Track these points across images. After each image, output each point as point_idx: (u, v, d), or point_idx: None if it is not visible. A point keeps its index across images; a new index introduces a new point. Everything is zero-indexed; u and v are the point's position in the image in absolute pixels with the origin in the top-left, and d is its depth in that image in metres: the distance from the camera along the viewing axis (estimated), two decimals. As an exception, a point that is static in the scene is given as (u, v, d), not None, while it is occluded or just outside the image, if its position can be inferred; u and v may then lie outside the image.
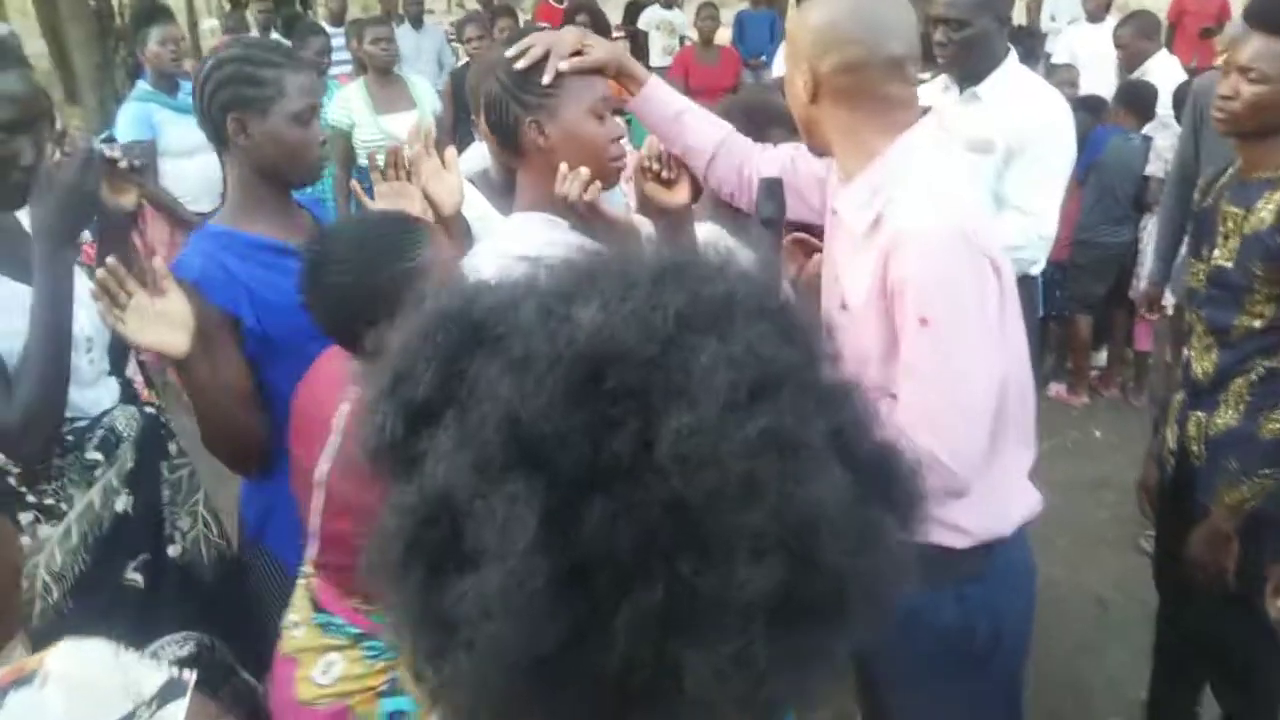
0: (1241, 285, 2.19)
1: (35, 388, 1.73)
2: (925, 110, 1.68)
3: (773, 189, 1.83)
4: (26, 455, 1.81)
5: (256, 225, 2.02)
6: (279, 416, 2.00)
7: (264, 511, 2.09)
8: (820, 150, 1.74)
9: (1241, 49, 2.20)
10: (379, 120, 4.98)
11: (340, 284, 1.65)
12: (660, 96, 2.00)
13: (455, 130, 5.70)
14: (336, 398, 1.67)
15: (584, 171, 1.76)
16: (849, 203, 1.66)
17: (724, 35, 8.93)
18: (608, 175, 1.90)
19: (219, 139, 2.00)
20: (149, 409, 2.04)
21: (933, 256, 1.51)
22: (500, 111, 1.86)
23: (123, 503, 1.94)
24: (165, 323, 1.77)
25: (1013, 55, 2.89)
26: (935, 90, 3.10)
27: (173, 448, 2.11)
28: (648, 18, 9.73)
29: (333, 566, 1.73)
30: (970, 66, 2.88)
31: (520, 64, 1.83)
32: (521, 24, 6.59)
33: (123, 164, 2.05)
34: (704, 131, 2.00)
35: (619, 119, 2.06)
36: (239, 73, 1.94)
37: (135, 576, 1.95)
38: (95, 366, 1.95)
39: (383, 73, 5.11)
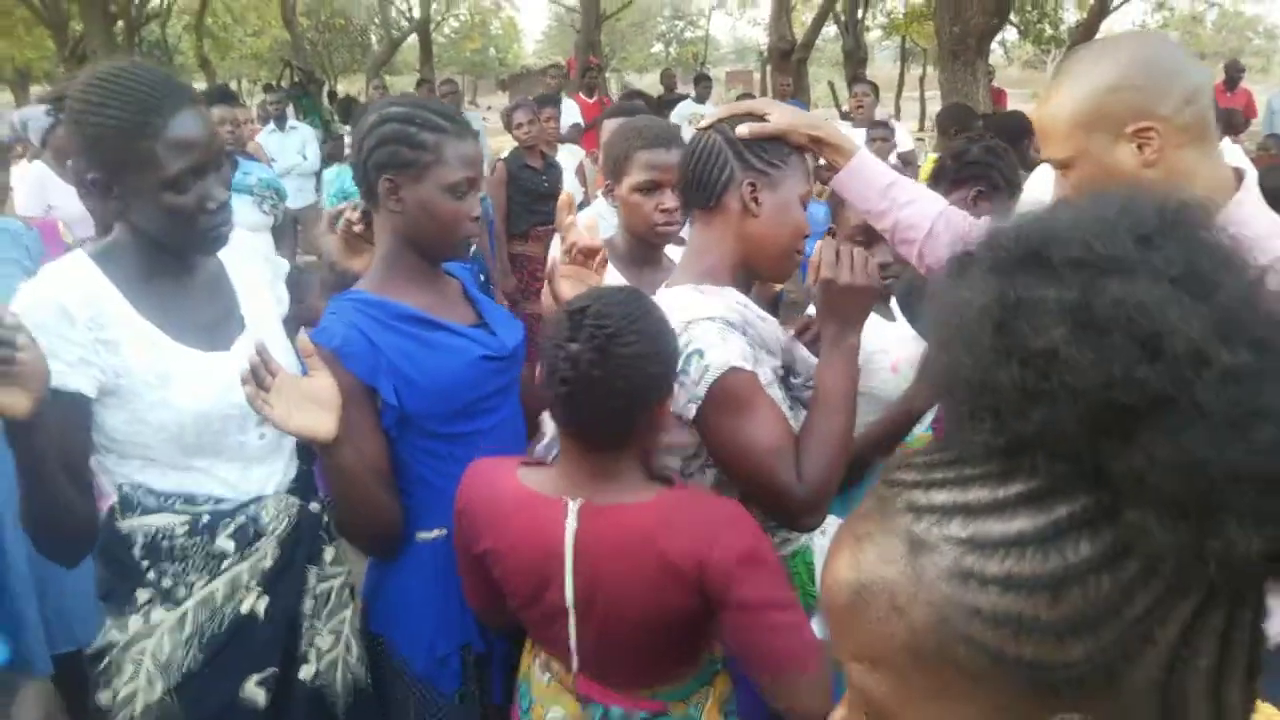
0: None
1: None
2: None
3: None
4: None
5: (404, 294, 1.90)
6: (409, 495, 1.90)
7: (391, 601, 1.95)
8: None
9: None
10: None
11: (641, 354, 1.50)
12: (870, 168, 1.90)
13: (509, 214, 5.68)
14: (560, 531, 1.55)
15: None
16: None
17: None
18: (793, 266, 1.85)
19: (370, 197, 1.89)
20: (314, 506, 1.88)
21: None
22: (714, 162, 1.77)
23: (251, 603, 1.76)
24: (313, 404, 1.65)
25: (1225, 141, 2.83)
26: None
27: (329, 554, 1.92)
28: (680, 111, 9.90)
29: (604, 671, 1.64)
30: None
31: (745, 133, 1.76)
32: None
33: (359, 227, 1.97)
34: (920, 204, 1.89)
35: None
36: (399, 132, 1.82)
37: (256, 692, 1.75)
38: (266, 444, 1.80)
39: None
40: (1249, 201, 1.54)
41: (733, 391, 1.62)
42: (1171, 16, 20.44)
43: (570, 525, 1.54)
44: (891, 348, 2.30)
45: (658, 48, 37.89)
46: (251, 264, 1.90)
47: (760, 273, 1.84)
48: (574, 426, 1.55)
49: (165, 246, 1.70)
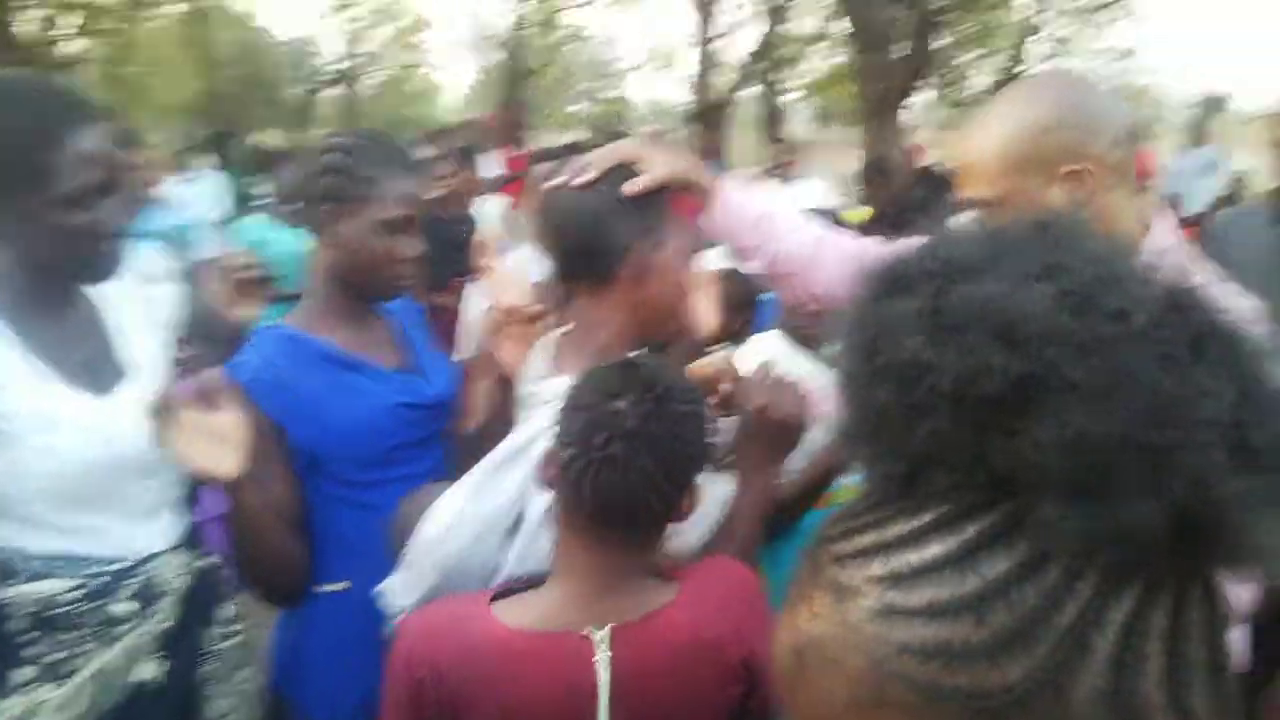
0: None
1: None
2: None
3: None
4: None
5: (329, 331, 1.81)
6: (316, 544, 1.79)
7: (293, 657, 1.83)
8: None
9: None
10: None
11: (695, 414, 1.33)
12: (740, 203, 1.75)
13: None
14: (587, 671, 1.26)
15: None
16: None
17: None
18: (684, 325, 1.70)
19: (312, 227, 1.82)
20: (209, 559, 1.75)
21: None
22: (601, 226, 1.54)
23: (150, 669, 1.62)
24: (217, 440, 1.54)
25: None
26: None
27: (228, 611, 1.79)
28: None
29: None
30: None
31: (632, 191, 1.55)
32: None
33: (245, 274, 1.87)
34: (798, 233, 1.76)
35: None
36: (339, 163, 1.75)
37: (159, 766, 1.60)
38: (154, 497, 1.66)
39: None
40: (1166, 228, 1.57)
41: None
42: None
43: (603, 659, 1.27)
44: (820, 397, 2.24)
45: (579, 105, 38.23)
46: (131, 306, 1.76)
47: (654, 338, 1.67)
48: (605, 502, 1.27)
49: (54, 273, 1.57)
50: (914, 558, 0.54)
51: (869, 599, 0.54)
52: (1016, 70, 15.46)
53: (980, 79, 17.30)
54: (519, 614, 1.31)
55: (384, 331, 1.93)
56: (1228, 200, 8.06)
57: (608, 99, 35.43)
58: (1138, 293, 0.52)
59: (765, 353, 2.09)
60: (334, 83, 24.33)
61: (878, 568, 0.55)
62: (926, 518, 0.55)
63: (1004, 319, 0.51)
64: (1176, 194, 8.73)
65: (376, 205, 1.74)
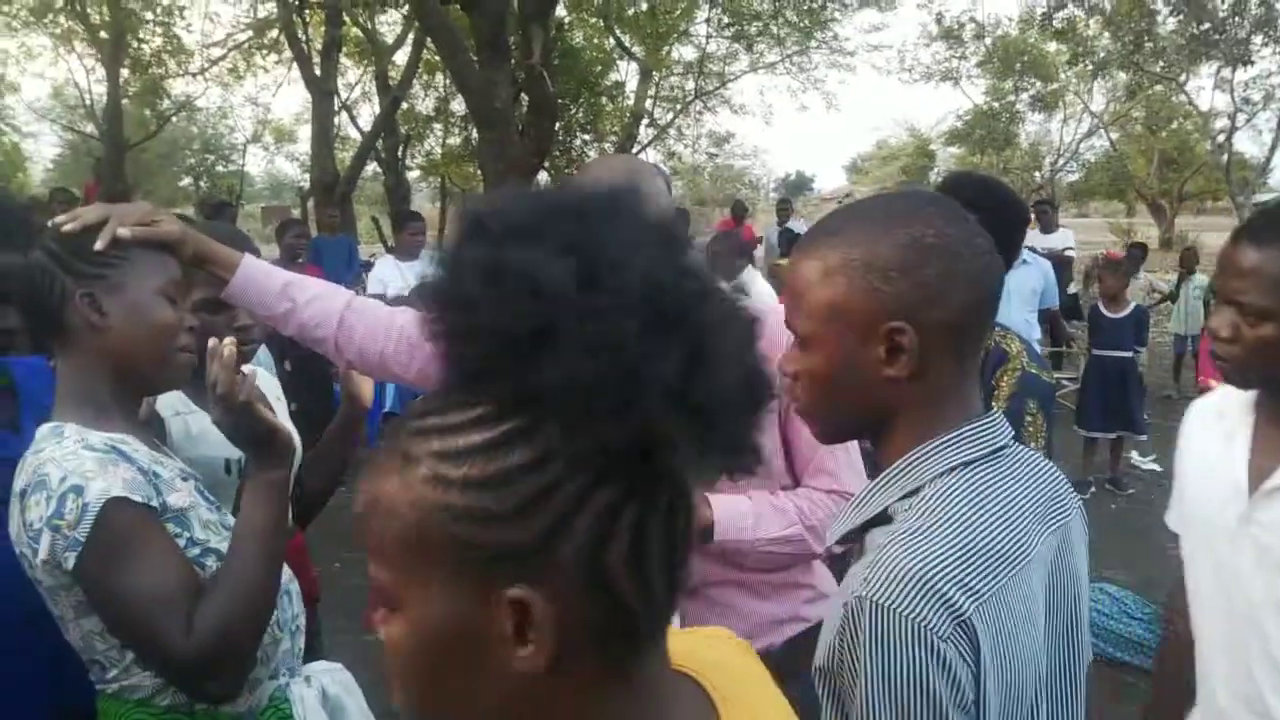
0: None
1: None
2: None
3: None
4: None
5: None
6: None
7: None
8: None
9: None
10: None
11: None
12: (260, 271, 1.79)
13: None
14: None
15: (226, 348, 1.49)
16: None
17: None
18: (173, 368, 1.64)
19: None
20: None
21: None
22: (42, 285, 1.55)
23: None
24: None
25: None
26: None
27: None
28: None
29: None
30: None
31: (70, 226, 1.56)
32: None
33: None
34: (324, 300, 1.83)
35: None
36: None
37: None
38: None
39: None
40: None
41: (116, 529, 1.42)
42: (681, 166, 23.06)
43: None
44: None
45: (186, 181, 35.94)
46: None
47: (143, 387, 1.66)
48: None
49: None
50: (461, 441, 0.71)
51: (424, 468, 0.71)
52: (635, 152, 16.43)
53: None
54: None
55: None
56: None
57: (221, 174, 33.61)
58: (634, 276, 0.68)
59: None
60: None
61: (435, 444, 0.72)
62: (474, 412, 0.71)
63: (533, 283, 0.67)
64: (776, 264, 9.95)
65: None
